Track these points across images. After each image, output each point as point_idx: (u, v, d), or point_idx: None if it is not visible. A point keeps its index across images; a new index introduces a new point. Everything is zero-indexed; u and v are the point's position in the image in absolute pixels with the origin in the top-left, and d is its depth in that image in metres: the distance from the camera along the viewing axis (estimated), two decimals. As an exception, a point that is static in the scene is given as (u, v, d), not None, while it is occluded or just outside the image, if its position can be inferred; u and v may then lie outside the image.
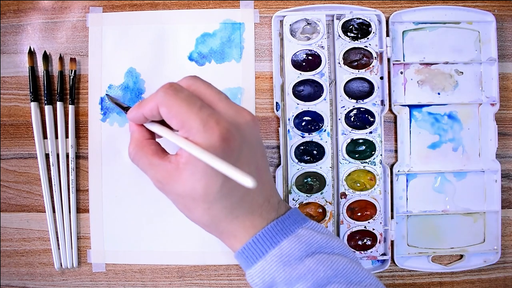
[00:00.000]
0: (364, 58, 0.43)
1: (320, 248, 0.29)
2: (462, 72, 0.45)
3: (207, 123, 0.26)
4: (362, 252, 0.43)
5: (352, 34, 0.43)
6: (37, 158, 0.44)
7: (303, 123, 0.43)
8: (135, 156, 0.30)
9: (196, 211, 0.29)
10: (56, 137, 0.44)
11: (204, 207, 0.28)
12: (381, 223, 0.43)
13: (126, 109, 0.36)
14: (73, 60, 0.44)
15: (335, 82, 0.43)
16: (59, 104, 0.44)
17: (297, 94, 0.43)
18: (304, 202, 0.43)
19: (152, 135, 0.31)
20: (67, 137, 0.44)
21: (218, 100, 0.29)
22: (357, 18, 0.43)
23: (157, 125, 0.30)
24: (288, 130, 0.43)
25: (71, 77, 0.44)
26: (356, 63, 0.43)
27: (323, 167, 0.43)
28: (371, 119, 0.43)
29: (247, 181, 0.23)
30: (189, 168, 0.27)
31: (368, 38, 0.43)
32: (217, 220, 0.29)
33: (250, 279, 0.29)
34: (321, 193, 0.43)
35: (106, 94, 0.44)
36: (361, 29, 0.43)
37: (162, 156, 0.29)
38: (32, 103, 0.44)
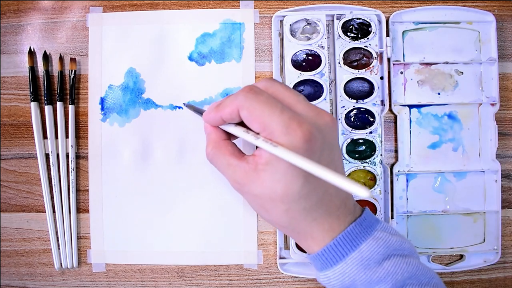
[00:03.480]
0: (364, 58, 0.43)
1: (395, 251, 0.30)
2: (462, 72, 0.45)
3: (289, 126, 0.26)
4: (362, 252, 0.43)
5: (352, 34, 0.43)
6: (37, 158, 0.44)
7: (303, 123, 0.43)
8: (213, 156, 0.30)
9: (274, 212, 0.29)
10: (56, 137, 0.44)
11: (283, 208, 0.28)
12: (381, 223, 0.43)
13: (201, 115, 0.36)
14: (73, 60, 0.44)
15: (335, 82, 0.43)
16: (59, 104, 0.44)
17: (297, 94, 0.43)
18: (304, 202, 0.43)
19: (228, 136, 0.31)
20: (67, 137, 0.44)
21: (297, 101, 0.29)
22: (357, 18, 0.43)
23: (236, 127, 0.30)
24: (288, 130, 0.43)
25: (71, 77, 0.44)
26: (356, 63, 0.43)
27: (323, 167, 0.43)
28: (371, 119, 0.43)
29: (362, 192, 0.23)
30: (269, 169, 0.27)
31: (368, 38, 0.43)
32: (295, 221, 0.29)
33: (326, 280, 0.30)
34: (321, 193, 0.43)
35: (184, 103, 0.44)
36: (361, 29, 0.43)
37: (239, 157, 0.29)
38: (32, 103, 0.44)
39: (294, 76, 0.43)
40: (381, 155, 0.43)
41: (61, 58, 0.44)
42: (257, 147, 0.28)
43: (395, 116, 0.44)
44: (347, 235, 0.29)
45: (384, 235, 0.30)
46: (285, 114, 0.27)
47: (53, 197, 0.44)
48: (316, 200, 0.28)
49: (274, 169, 0.27)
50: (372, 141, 0.43)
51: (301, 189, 0.27)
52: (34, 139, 0.44)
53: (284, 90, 0.29)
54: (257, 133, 0.28)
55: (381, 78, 0.43)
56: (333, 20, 0.43)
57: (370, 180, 0.43)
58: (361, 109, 0.43)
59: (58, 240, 0.44)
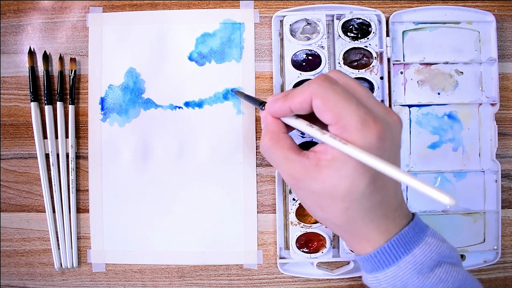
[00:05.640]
0: (364, 58, 0.43)
1: (445, 258, 0.29)
2: (462, 72, 0.45)
3: (365, 121, 0.25)
4: (362, 252, 0.43)
5: (352, 34, 0.43)
6: (37, 158, 0.44)
7: (303, 123, 0.43)
8: (269, 148, 0.29)
9: (331, 210, 0.28)
10: (56, 137, 0.44)
11: (343, 207, 0.27)
12: (381, 223, 0.43)
13: (261, 103, 0.34)
14: (73, 60, 0.44)
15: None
16: (59, 104, 0.44)
17: (297, 94, 0.43)
18: (304, 202, 0.43)
19: (287, 129, 0.30)
20: (67, 137, 0.44)
21: (367, 97, 0.28)
22: (357, 18, 0.43)
23: (298, 119, 0.29)
24: (288, 130, 0.43)
25: (71, 77, 0.44)
26: (356, 63, 0.43)
27: (323, 167, 0.43)
28: (371, 119, 0.43)
29: (445, 199, 0.22)
30: (334, 165, 0.26)
31: (368, 38, 0.43)
32: (352, 221, 0.28)
33: (376, 283, 0.29)
34: (321, 193, 0.43)
35: (233, 90, 0.42)
36: (361, 29, 0.43)
37: (298, 152, 0.28)
38: (32, 103, 0.44)
39: (294, 76, 0.42)
40: (381, 155, 0.43)
41: (61, 58, 0.44)
42: (314, 142, 0.27)
43: (395, 116, 0.44)
44: (401, 238, 0.28)
45: (435, 241, 0.29)
46: (361, 109, 0.26)
47: (53, 197, 0.44)
48: (377, 201, 0.28)
49: (341, 166, 0.26)
50: (372, 141, 0.43)
51: (365, 188, 0.26)
52: (34, 139, 0.44)
53: (355, 84, 0.28)
54: (324, 128, 0.27)
55: (381, 78, 0.43)
56: (333, 20, 0.43)
57: (370, 180, 0.43)
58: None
59: (58, 240, 0.44)
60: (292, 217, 0.42)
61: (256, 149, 0.45)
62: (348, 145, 0.25)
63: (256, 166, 0.44)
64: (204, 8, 0.45)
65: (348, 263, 0.44)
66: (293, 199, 0.43)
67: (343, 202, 0.27)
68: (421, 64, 0.44)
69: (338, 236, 0.43)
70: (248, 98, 0.39)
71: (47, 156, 0.44)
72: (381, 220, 0.28)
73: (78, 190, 0.44)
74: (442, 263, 0.29)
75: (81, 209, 0.45)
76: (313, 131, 0.27)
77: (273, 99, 0.29)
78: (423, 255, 0.28)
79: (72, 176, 0.44)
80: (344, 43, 0.43)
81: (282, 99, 0.28)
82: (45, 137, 0.44)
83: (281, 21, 0.43)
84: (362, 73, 0.43)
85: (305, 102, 0.27)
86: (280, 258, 0.44)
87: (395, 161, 0.28)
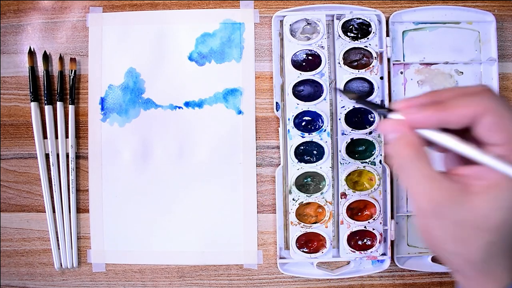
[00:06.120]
0: (364, 58, 0.43)
1: None
2: (462, 72, 0.45)
3: None
4: (362, 252, 0.43)
5: (352, 34, 0.43)
6: (37, 158, 0.44)
7: (303, 123, 0.43)
8: (409, 162, 0.25)
9: (471, 244, 0.24)
10: (56, 137, 0.44)
11: (489, 241, 0.24)
12: (381, 223, 0.43)
13: (386, 109, 0.27)
14: (73, 60, 0.44)
15: (335, 82, 0.43)
16: (59, 104, 0.44)
17: (297, 94, 0.43)
18: (304, 202, 0.43)
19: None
20: (67, 137, 0.44)
21: None
22: (357, 18, 0.43)
23: (444, 134, 0.24)
24: (288, 130, 0.43)
25: (71, 77, 0.44)
26: (356, 63, 0.43)
27: (323, 167, 0.43)
28: (371, 119, 0.43)
29: None
30: (493, 193, 0.23)
31: (368, 38, 0.43)
32: (491, 258, 0.25)
33: None
34: (321, 193, 0.43)
35: (337, 88, 0.38)
36: (361, 29, 0.43)
37: (439, 172, 0.24)
38: (32, 103, 0.44)
39: (294, 76, 0.42)
40: (381, 155, 0.43)
41: (61, 58, 0.44)
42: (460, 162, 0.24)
43: (395, 116, 0.44)
44: None
45: None
46: None
47: (53, 197, 0.44)
48: None
49: (500, 194, 0.23)
50: (372, 141, 0.43)
51: None
52: (34, 139, 0.44)
53: None
54: (481, 146, 0.24)
55: (381, 78, 0.43)
56: (333, 20, 0.43)
57: (370, 180, 0.43)
58: (361, 109, 0.43)
59: (58, 240, 0.44)
60: (292, 217, 0.42)
61: (256, 149, 0.45)
62: None
63: (256, 166, 0.44)
64: (204, 8, 0.45)
65: (348, 263, 0.44)
66: (293, 199, 0.43)
67: (491, 235, 0.24)
68: (421, 64, 0.44)
69: (338, 236, 0.43)
70: (366, 102, 0.35)
71: (47, 156, 0.44)
72: (509, 259, 0.25)
73: (78, 190, 0.45)
74: None
75: (81, 209, 0.45)
76: (468, 150, 0.24)
77: (415, 105, 0.25)
78: None
79: (72, 176, 0.44)
80: (344, 43, 0.43)
81: (434, 108, 0.24)
82: (45, 137, 0.44)
83: (281, 21, 0.43)
84: (362, 73, 0.43)
85: (468, 116, 0.23)
86: (280, 258, 0.44)
87: None
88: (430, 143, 0.25)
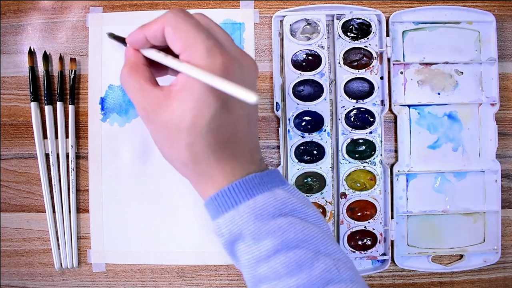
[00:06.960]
0: (364, 58, 0.43)
1: (294, 212, 0.28)
2: (462, 72, 0.45)
3: (211, 50, 0.26)
4: (362, 252, 0.43)
5: (352, 34, 0.43)
6: (37, 158, 0.44)
7: (303, 123, 0.43)
8: (127, 78, 0.29)
9: (178, 146, 0.27)
10: (56, 137, 0.44)
11: (188, 141, 0.27)
12: (381, 223, 0.43)
13: (124, 39, 0.33)
14: (73, 60, 0.44)
15: (335, 82, 0.43)
16: (59, 104, 0.44)
17: (297, 94, 0.43)
18: (304, 202, 0.43)
19: (148, 63, 0.30)
20: (67, 137, 0.44)
21: (225, 39, 0.28)
22: (357, 18, 0.43)
23: (155, 50, 0.29)
24: (288, 130, 0.43)
25: (71, 77, 0.44)
26: (356, 63, 0.43)
27: (323, 167, 0.43)
28: (371, 119, 0.43)
29: (250, 97, 0.22)
30: (182, 95, 0.26)
31: (368, 38, 0.43)
32: (198, 159, 0.28)
33: (217, 229, 0.28)
34: (321, 193, 0.43)
35: (106, 33, 0.40)
36: (361, 29, 0.43)
37: (154, 84, 0.28)
38: (32, 103, 0.44)
39: (294, 76, 0.43)
40: (381, 155, 0.43)
41: (61, 58, 0.44)
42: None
43: (395, 116, 0.44)
44: (245, 183, 0.28)
45: (285, 194, 0.29)
46: (210, 40, 0.26)
47: (53, 197, 0.44)
48: (223, 139, 0.27)
49: (187, 95, 0.26)
50: (372, 141, 0.43)
51: (210, 121, 0.26)
52: (34, 139, 0.44)
53: (216, 26, 0.29)
54: (177, 57, 0.28)
55: (381, 78, 0.43)
56: (333, 20, 0.43)
57: (370, 180, 0.43)
58: (361, 109, 0.43)
59: (58, 240, 0.44)
60: (292, 217, 0.42)
61: (256, 149, 0.44)
62: (193, 66, 0.25)
63: (256, 166, 0.44)
64: (204, 8, 0.45)
65: (348, 263, 0.44)
66: (293, 199, 0.43)
67: (188, 135, 0.27)
68: (421, 64, 0.44)
69: (338, 236, 0.43)
70: (116, 38, 0.38)
71: (47, 156, 0.44)
72: (227, 161, 0.28)
73: (78, 190, 0.44)
74: (289, 216, 0.28)
75: (81, 209, 0.45)
76: (167, 60, 0.28)
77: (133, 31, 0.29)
78: (264, 202, 0.27)
79: (72, 176, 0.44)
80: (344, 43, 0.43)
81: (139, 28, 0.28)
82: (45, 137, 0.44)
83: (281, 21, 0.43)
84: (362, 73, 0.43)
85: (158, 31, 0.27)
86: (280, 258, 0.44)
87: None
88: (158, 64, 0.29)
